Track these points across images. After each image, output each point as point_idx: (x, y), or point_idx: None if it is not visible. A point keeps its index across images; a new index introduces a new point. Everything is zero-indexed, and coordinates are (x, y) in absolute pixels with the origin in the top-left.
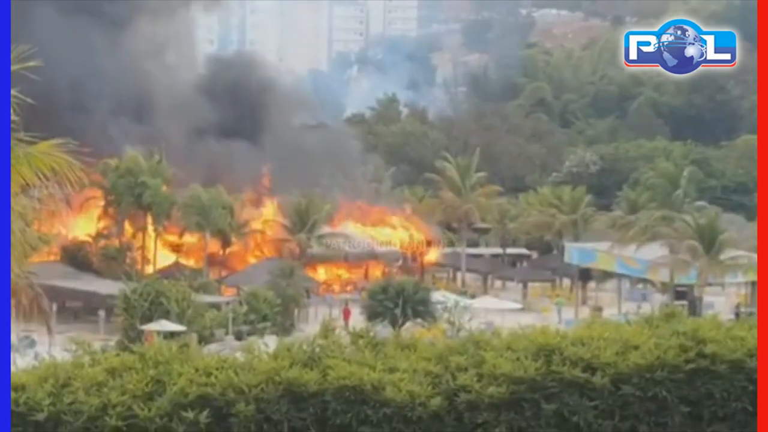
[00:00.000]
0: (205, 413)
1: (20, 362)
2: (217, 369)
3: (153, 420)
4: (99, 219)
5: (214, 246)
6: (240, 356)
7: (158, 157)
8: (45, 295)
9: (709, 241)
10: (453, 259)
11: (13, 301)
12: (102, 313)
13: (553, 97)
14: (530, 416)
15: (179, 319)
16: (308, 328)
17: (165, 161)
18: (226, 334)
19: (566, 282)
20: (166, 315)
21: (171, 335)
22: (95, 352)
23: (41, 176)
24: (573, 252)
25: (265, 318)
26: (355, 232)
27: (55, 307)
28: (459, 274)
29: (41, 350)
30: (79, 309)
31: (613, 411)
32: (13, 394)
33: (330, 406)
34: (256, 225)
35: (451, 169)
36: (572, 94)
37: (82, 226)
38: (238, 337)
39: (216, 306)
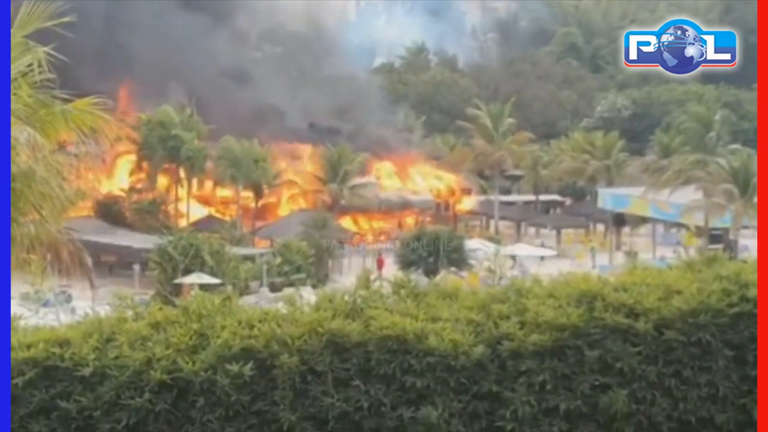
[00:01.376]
0: (249, 366)
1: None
2: (259, 321)
3: (197, 373)
4: (131, 173)
5: (247, 198)
6: (282, 308)
7: (190, 111)
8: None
9: (744, 184)
10: (486, 207)
11: (52, 257)
12: (137, 267)
13: (583, 42)
14: (573, 363)
15: (214, 271)
16: (343, 278)
17: (196, 114)
18: (261, 285)
19: (600, 228)
20: (201, 268)
21: (205, 288)
22: (138, 306)
23: (78, 132)
24: (606, 197)
25: (299, 269)
26: (388, 181)
27: (90, 261)
28: (492, 222)
29: (77, 305)
30: (113, 263)
31: (656, 356)
32: (57, 350)
33: (373, 356)
34: (288, 176)
35: (483, 117)
36: (602, 39)
37: (115, 180)
38: (273, 288)
39: (250, 258)
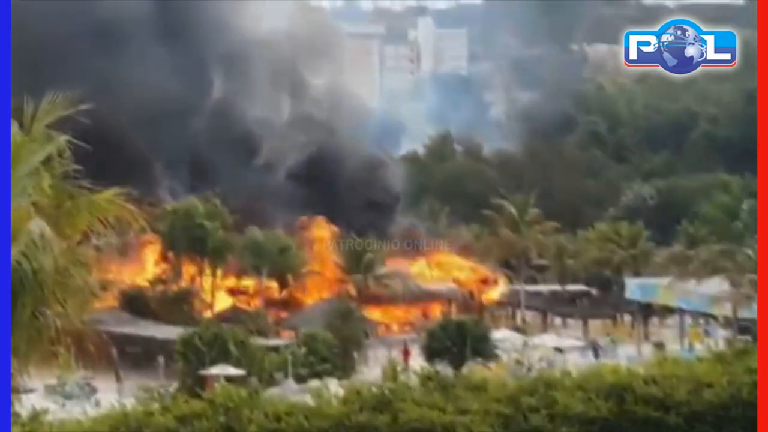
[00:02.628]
0: None
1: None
2: (286, 414)
3: None
4: (156, 264)
5: (271, 288)
6: (308, 400)
7: (215, 201)
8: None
9: None
10: (512, 296)
11: (76, 349)
12: (161, 358)
13: (607, 131)
14: None
15: (239, 363)
16: (368, 369)
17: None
18: (286, 377)
19: (627, 318)
20: (226, 359)
21: (230, 380)
22: (164, 397)
23: (104, 223)
24: (633, 287)
25: (324, 360)
26: (413, 271)
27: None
28: (518, 312)
29: (101, 397)
30: (137, 355)
31: None
32: None
33: None
34: (313, 267)
35: (508, 206)
36: (627, 128)
37: (140, 271)
38: (298, 379)
39: (274, 349)
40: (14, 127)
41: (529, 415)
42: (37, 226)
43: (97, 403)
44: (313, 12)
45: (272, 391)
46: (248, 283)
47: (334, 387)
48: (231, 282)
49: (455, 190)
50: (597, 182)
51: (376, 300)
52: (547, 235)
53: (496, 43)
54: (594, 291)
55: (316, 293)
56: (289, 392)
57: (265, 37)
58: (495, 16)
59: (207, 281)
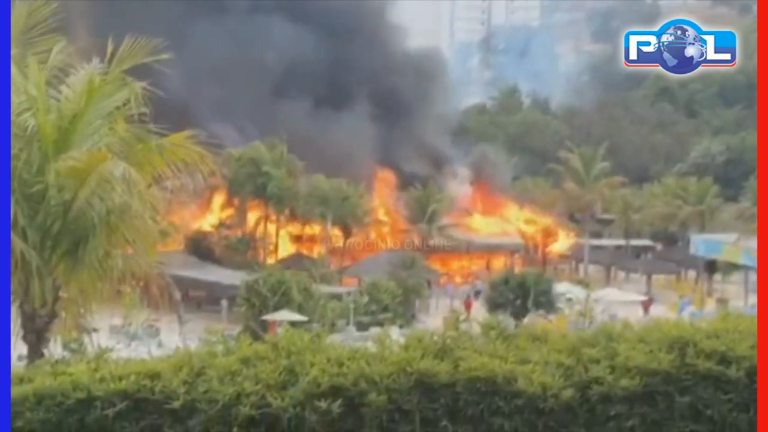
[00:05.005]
0: (337, 403)
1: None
2: (349, 359)
3: (286, 409)
4: (221, 209)
5: (336, 236)
6: (370, 346)
7: (281, 148)
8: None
9: None
10: (575, 250)
11: (142, 290)
12: (225, 302)
13: (678, 85)
14: (664, 409)
15: (301, 309)
16: (429, 319)
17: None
18: (347, 324)
19: (691, 274)
20: (288, 305)
21: (292, 325)
22: (228, 341)
23: (173, 167)
24: (699, 244)
25: (386, 309)
26: (477, 223)
27: (179, 296)
28: (581, 266)
29: (164, 339)
30: (202, 298)
31: (748, 404)
32: (148, 382)
33: (461, 397)
34: (378, 215)
35: (575, 160)
36: (698, 83)
37: (206, 215)
38: (359, 327)
39: (337, 296)
40: (92, 69)
41: (589, 366)
42: (118, 167)
43: (161, 344)
44: None
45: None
46: (312, 230)
47: (396, 335)
48: (295, 229)
49: (522, 142)
50: (666, 137)
51: (439, 250)
52: (613, 189)
53: None
54: (659, 246)
55: (379, 242)
56: (351, 339)
57: None
58: None
59: (271, 228)
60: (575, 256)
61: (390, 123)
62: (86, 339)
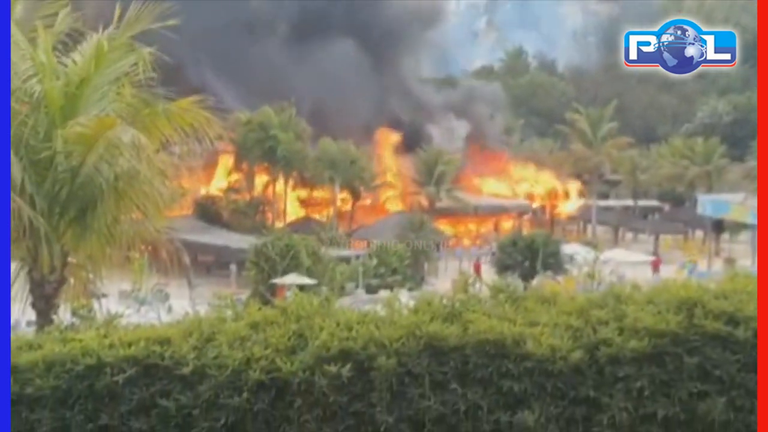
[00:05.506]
0: (347, 367)
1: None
2: (358, 323)
3: (296, 374)
4: (229, 173)
5: (344, 199)
6: (379, 310)
7: (290, 111)
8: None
9: None
10: (583, 211)
11: (151, 255)
12: (233, 267)
13: None
14: (672, 370)
15: (310, 273)
16: (439, 282)
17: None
18: (356, 287)
19: (699, 234)
20: (297, 269)
21: (301, 289)
22: (237, 306)
23: (180, 131)
24: (706, 203)
25: (394, 272)
26: (485, 184)
27: (188, 260)
28: (589, 227)
29: (174, 303)
30: (210, 263)
31: (756, 364)
32: (158, 348)
33: (471, 359)
34: (385, 178)
35: (582, 121)
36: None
37: (214, 180)
38: (368, 290)
39: (346, 260)
40: (100, 34)
41: (598, 327)
42: (127, 132)
43: (170, 310)
44: None
45: (343, 301)
46: (321, 193)
47: (405, 298)
48: (303, 192)
49: (529, 104)
50: (672, 97)
51: (448, 213)
52: (620, 149)
53: None
54: (666, 206)
55: (388, 205)
56: (360, 303)
57: None
58: None
59: (280, 191)
60: (583, 216)
61: (391, 82)
62: (95, 305)
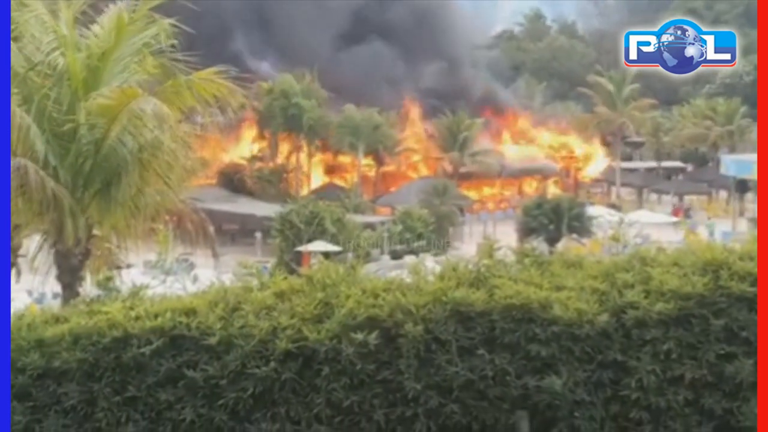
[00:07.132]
0: (374, 335)
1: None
2: (384, 290)
3: (322, 342)
4: (253, 141)
5: (368, 165)
6: (405, 276)
7: (311, 78)
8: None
9: None
10: (607, 173)
11: (175, 225)
12: (259, 235)
13: (704, 6)
14: (699, 332)
15: (335, 239)
16: (464, 246)
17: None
18: (381, 253)
19: (723, 194)
20: (322, 236)
21: (326, 256)
22: (263, 275)
23: (203, 102)
24: (729, 164)
25: (419, 237)
26: (508, 148)
27: (212, 230)
28: (613, 189)
29: (199, 273)
30: (235, 231)
31: None
32: (184, 319)
33: (497, 325)
34: (409, 144)
35: (604, 84)
36: (725, 3)
37: (238, 149)
38: (394, 256)
39: (371, 226)
40: (121, 6)
41: (624, 290)
42: (149, 102)
43: (196, 279)
44: None
45: (368, 267)
46: (344, 160)
47: (430, 263)
48: (327, 159)
49: (551, 67)
50: None
51: (472, 177)
52: (643, 111)
53: None
54: (689, 167)
55: (411, 170)
56: (385, 269)
57: None
58: None
59: (303, 159)
60: (607, 179)
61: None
62: (120, 277)
